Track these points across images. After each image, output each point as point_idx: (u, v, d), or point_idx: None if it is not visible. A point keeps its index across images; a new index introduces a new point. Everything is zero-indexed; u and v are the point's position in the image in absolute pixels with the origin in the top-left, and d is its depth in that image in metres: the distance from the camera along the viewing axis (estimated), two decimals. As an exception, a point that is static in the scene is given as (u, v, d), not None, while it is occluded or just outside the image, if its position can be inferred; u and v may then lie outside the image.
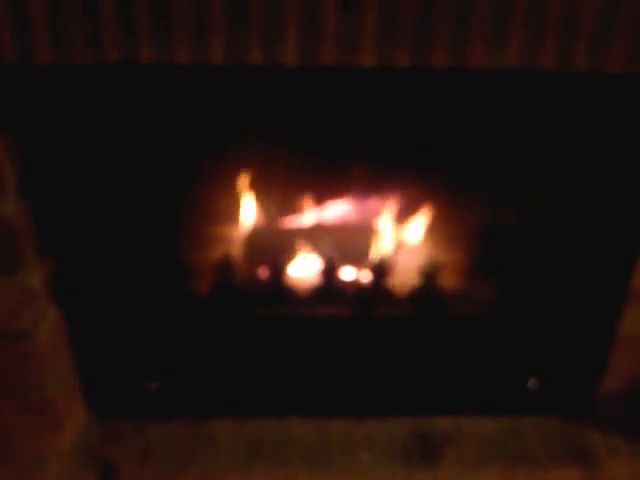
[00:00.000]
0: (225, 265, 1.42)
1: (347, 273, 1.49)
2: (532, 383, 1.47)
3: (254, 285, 1.48)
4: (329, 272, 1.45)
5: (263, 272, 1.48)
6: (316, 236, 1.49)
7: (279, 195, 1.45)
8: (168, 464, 1.36)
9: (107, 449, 1.38)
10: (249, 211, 1.48)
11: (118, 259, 1.35)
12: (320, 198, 1.46)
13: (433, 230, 1.47)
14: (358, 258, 1.49)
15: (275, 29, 0.97)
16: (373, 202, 1.46)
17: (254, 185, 1.43)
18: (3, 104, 1.08)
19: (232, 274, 1.43)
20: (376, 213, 1.48)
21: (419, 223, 1.47)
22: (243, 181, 1.42)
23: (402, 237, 1.50)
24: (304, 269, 1.49)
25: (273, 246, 1.49)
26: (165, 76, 1.09)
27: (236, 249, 1.48)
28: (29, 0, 0.94)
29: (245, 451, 1.39)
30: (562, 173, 1.31)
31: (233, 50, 0.98)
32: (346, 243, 1.49)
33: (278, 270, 1.45)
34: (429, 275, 1.43)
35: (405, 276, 1.47)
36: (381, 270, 1.44)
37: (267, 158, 1.33)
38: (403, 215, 1.47)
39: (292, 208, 1.48)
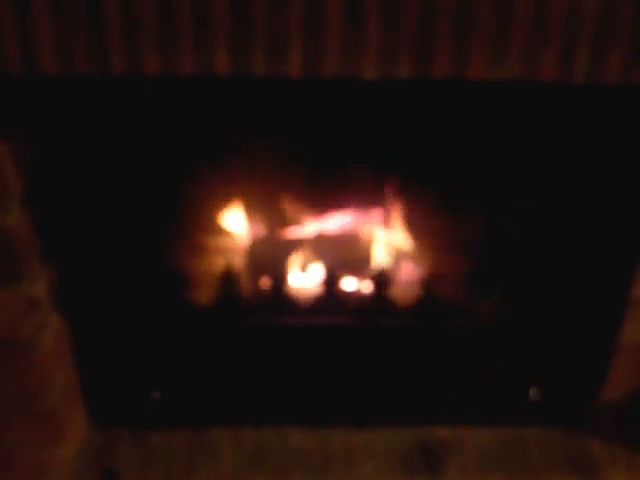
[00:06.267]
0: (227, 275, 1.43)
1: (348, 283, 1.49)
2: (533, 393, 1.47)
3: (256, 295, 1.48)
4: (330, 282, 1.45)
5: (265, 282, 1.48)
6: (317, 246, 1.49)
7: (281, 205, 1.46)
8: (169, 473, 1.36)
9: (109, 458, 1.38)
10: (251, 221, 1.48)
11: (121, 268, 1.36)
12: (321, 208, 1.47)
13: (434, 241, 1.47)
14: (359, 268, 1.49)
15: (279, 40, 0.98)
16: (374, 212, 1.47)
17: (256, 195, 1.44)
18: (9, 113, 1.09)
19: (233, 284, 1.43)
20: (377, 223, 1.49)
21: (420, 234, 1.47)
22: (246, 192, 1.43)
23: (403, 248, 1.51)
24: (305, 279, 1.49)
25: (275, 256, 1.49)
26: (167, 87, 1.10)
27: (238, 259, 1.48)
28: (34, 11, 0.94)
29: (246, 460, 1.39)
30: (562, 182, 1.31)
31: (237, 61, 0.99)
32: (347, 253, 1.50)
33: (279, 280, 1.45)
34: (430, 285, 1.44)
35: (406, 286, 1.47)
36: (382, 280, 1.44)
37: (269, 169, 1.34)
38: (404, 226, 1.48)
39: (294, 218, 1.48)
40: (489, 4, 0.95)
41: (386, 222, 1.49)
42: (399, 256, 1.51)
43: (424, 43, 0.98)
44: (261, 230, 1.50)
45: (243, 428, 1.46)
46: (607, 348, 1.37)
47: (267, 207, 1.47)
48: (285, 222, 1.49)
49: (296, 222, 1.49)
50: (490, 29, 0.97)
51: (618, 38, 0.98)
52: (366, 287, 1.48)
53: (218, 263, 1.46)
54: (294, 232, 1.50)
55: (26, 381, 1.25)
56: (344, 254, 1.50)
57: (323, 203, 1.46)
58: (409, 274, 1.50)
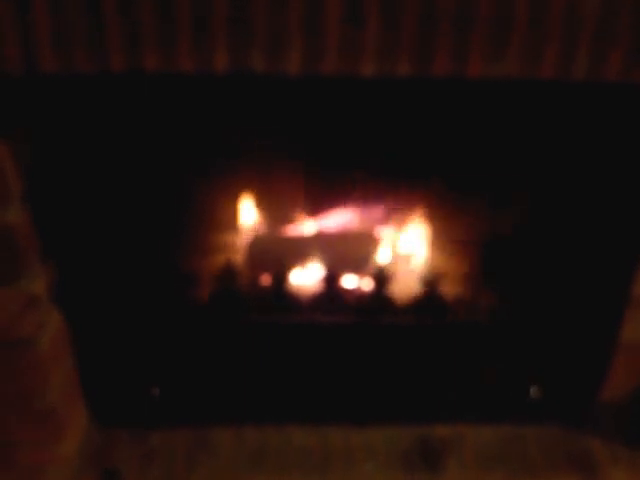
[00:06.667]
0: (227, 273, 1.43)
1: (349, 281, 1.49)
2: (533, 391, 1.47)
3: (256, 293, 1.48)
4: (331, 280, 1.45)
5: (265, 280, 1.48)
6: (318, 244, 1.49)
7: (281, 203, 1.46)
8: (170, 472, 1.36)
9: (109, 456, 1.38)
10: (251, 219, 1.48)
11: (121, 267, 1.36)
12: (322, 206, 1.47)
13: (434, 238, 1.47)
14: (360, 266, 1.49)
15: (278, 40, 0.98)
16: (375, 210, 1.47)
17: (256, 193, 1.44)
18: (9, 113, 1.08)
19: (234, 282, 1.43)
20: (377, 221, 1.49)
21: (420, 231, 1.47)
22: (246, 189, 1.43)
23: (403, 245, 1.51)
24: (306, 277, 1.49)
25: (275, 254, 1.49)
26: (168, 85, 1.10)
27: (238, 257, 1.48)
28: (34, 11, 0.94)
29: (247, 459, 1.39)
30: (563, 181, 1.31)
31: (237, 59, 0.99)
32: (348, 251, 1.50)
33: (280, 278, 1.45)
34: (430, 283, 1.44)
35: (406, 284, 1.47)
36: (382, 278, 1.44)
37: (269, 166, 1.34)
38: (404, 223, 1.48)
39: (294, 216, 1.48)
40: (489, 4, 0.95)
41: (387, 220, 1.49)
42: (400, 254, 1.51)
43: (424, 43, 0.98)
44: (261, 228, 1.50)
45: (244, 426, 1.46)
46: (607, 347, 1.37)
47: (268, 205, 1.47)
48: (286, 220, 1.49)
49: (297, 220, 1.49)
50: (490, 29, 0.97)
51: (618, 38, 0.98)
52: (366, 285, 1.48)
53: (219, 260, 1.46)
54: (295, 230, 1.50)
55: (25, 380, 1.25)
56: (345, 252, 1.50)
57: (324, 201, 1.46)
58: (410, 272, 1.50)
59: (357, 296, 1.48)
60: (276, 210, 1.48)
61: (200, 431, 1.45)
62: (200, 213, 1.42)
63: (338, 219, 1.49)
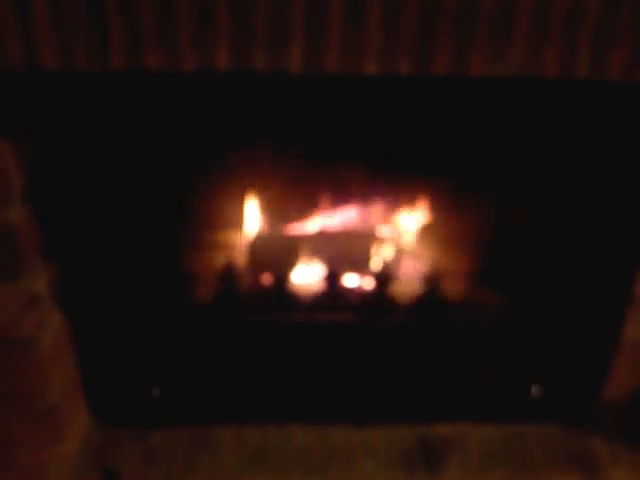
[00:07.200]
0: (228, 272, 1.43)
1: (350, 280, 1.49)
2: (534, 390, 1.47)
3: (257, 292, 1.48)
4: (332, 279, 1.45)
5: (266, 279, 1.48)
6: (319, 243, 1.49)
7: (282, 202, 1.46)
8: (170, 471, 1.36)
9: (110, 455, 1.38)
10: (252, 218, 1.48)
11: (122, 266, 1.36)
12: (323, 205, 1.46)
13: (436, 237, 1.47)
14: (361, 265, 1.49)
15: (280, 41, 0.98)
16: (376, 209, 1.47)
17: (257, 192, 1.43)
18: (11, 112, 1.08)
19: (235, 281, 1.43)
20: (379, 220, 1.49)
21: (422, 230, 1.47)
22: (246, 188, 1.43)
23: (405, 244, 1.51)
24: (307, 276, 1.49)
25: (276, 253, 1.49)
26: (169, 83, 1.09)
27: (239, 256, 1.48)
28: (35, 10, 0.94)
29: (247, 458, 1.39)
30: (564, 181, 1.31)
31: (238, 57, 0.99)
32: (349, 250, 1.49)
33: (281, 277, 1.45)
34: (431, 282, 1.44)
35: (407, 283, 1.47)
36: (383, 277, 1.44)
37: (270, 165, 1.34)
38: (406, 222, 1.48)
39: (295, 215, 1.48)
40: (490, 4, 0.95)
41: (388, 219, 1.49)
42: (401, 253, 1.51)
43: (424, 43, 0.98)
44: (263, 227, 1.49)
45: (245, 426, 1.46)
46: (608, 346, 1.37)
47: (269, 204, 1.47)
48: (287, 219, 1.49)
49: (298, 219, 1.49)
50: (491, 29, 0.97)
51: (620, 38, 0.98)
52: (368, 284, 1.48)
53: (220, 260, 1.46)
54: (296, 229, 1.50)
55: (26, 380, 1.25)
56: (346, 251, 1.49)
57: (325, 199, 1.46)
58: (411, 271, 1.49)
59: (358, 295, 1.48)
60: (277, 209, 1.48)
61: (200, 430, 1.45)
62: (201, 212, 1.42)
63: (339, 218, 1.49)
